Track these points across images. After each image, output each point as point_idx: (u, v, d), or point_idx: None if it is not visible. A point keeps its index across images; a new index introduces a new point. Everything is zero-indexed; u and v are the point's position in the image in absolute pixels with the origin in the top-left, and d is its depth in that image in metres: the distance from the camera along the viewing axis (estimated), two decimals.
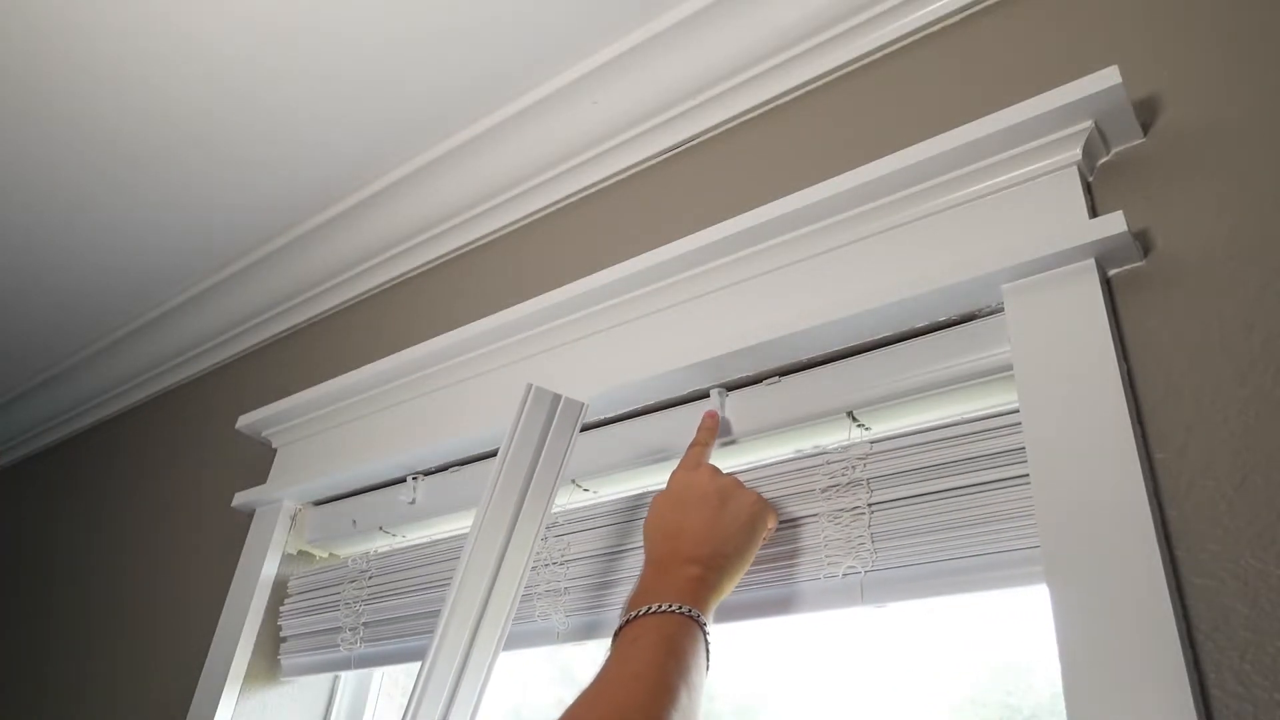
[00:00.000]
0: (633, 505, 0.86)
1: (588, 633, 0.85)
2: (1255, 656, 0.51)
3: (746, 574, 0.73)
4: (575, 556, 0.88)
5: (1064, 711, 0.53)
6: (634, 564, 0.83)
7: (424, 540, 1.05)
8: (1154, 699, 0.50)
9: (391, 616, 1.01)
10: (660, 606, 0.61)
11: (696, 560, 0.66)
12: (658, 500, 0.73)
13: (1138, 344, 0.64)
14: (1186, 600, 0.54)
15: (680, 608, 0.61)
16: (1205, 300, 0.62)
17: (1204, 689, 0.51)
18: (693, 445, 0.77)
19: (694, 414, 0.83)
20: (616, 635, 0.62)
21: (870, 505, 0.70)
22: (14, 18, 1.08)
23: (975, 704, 0.77)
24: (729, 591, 0.67)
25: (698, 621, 0.61)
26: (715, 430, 0.79)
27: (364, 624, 1.03)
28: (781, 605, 0.73)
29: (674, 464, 0.85)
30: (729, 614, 0.76)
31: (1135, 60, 0.74)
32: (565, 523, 0.90)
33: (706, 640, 0.62)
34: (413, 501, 1.07)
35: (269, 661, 1.12)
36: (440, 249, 1.32)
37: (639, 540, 0.83)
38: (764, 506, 0.71)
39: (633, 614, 0.62)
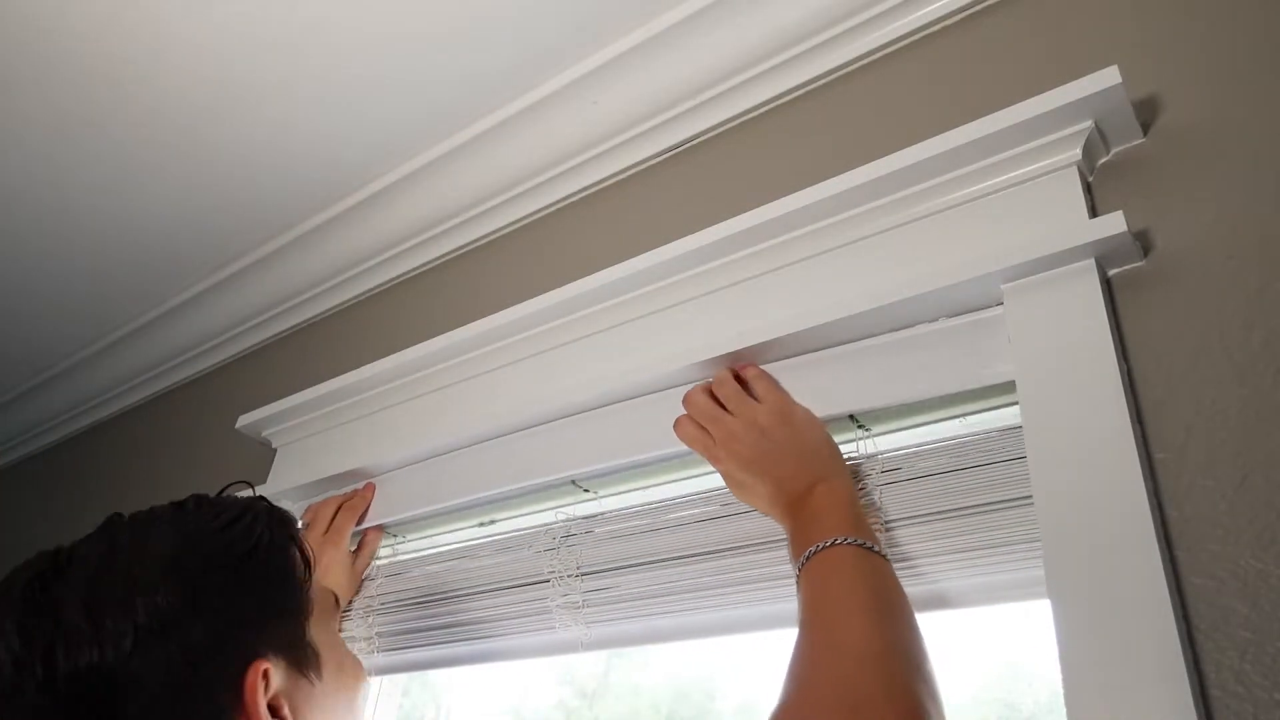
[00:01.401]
0: (642, 512, 0.86)
1: (610, 642, 0.85)
2: (1255, 656, 0.51)
3: (765, 590, 0.74)
4: (590, 569, 0.87)
5: (1064, 711, 0.53)
6: (651, 578, 0.82)
7: (434, 549, 1.05)
8: (1154, 699, 0.50)
9: (410, 628, 1.00)
10: (816, 548, 0.60)
11: (813, 480, 0.67)
12: (734, 490, 0.74)
13: (1138, 344, 0.64)
14: (1186, 600, 0.54)
15: (836, 540, 0.60)
16: (1205, 300, 0.62)
17: (1204, 689, 0.51)
18: (687, 434, 0.77)
19: None
20: (804, 570, 0.61)
21: (886, 524, 0.70)
22: (13, 20, 1.08)
23: (975, 703, 0.77)
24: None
25: (861, 546, 0.60)
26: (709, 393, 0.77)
27: (379, 634, 1.02)
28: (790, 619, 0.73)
29: (672, 464, 0.86)
30: (743, 626, 0.76)
31: (1135, 60, 0.74)
32: (577, 533, 0.90)
33: (879, 553, 0.61)
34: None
35: None
36: (440, 249, 1.32)
37: (649, 549, 0.84)
38: (780, 400, 0.73)
39: (798, 564, 0.61)
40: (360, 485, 1.10)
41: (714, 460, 0.74)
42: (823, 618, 0.57)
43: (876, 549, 0.61)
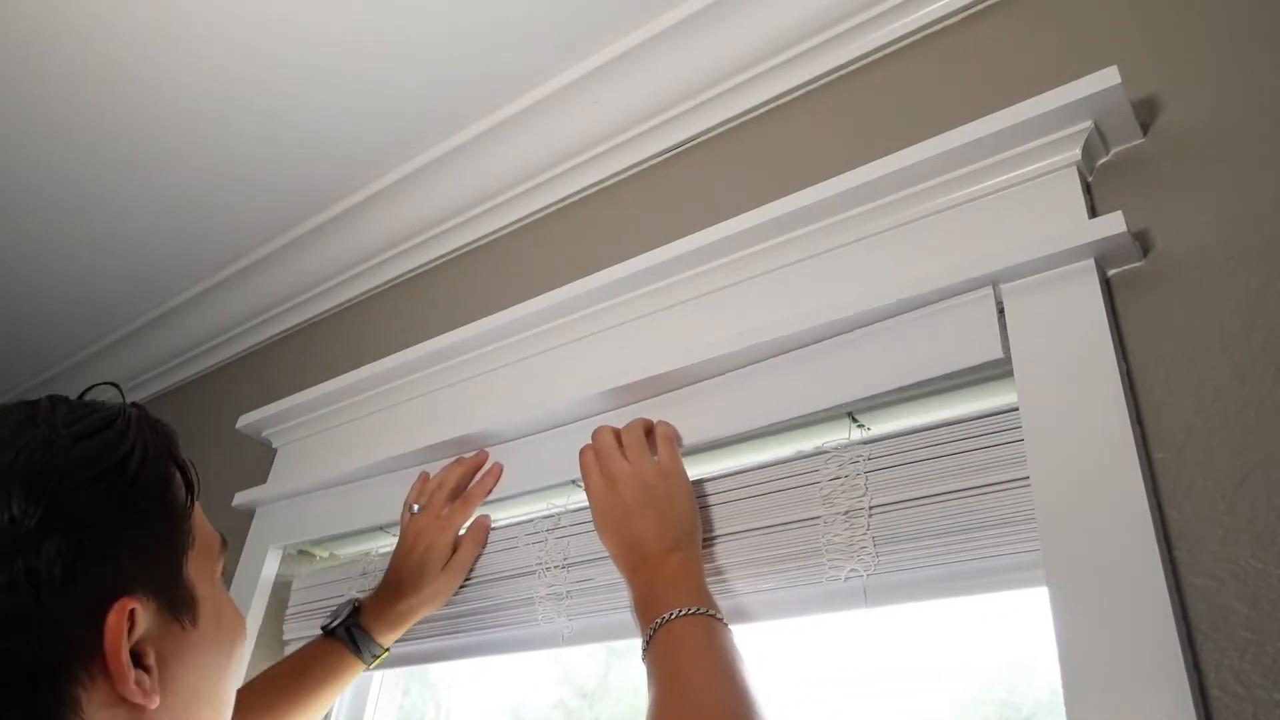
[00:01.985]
0: None
1: (593, 635, 0.85)
2: (1255, 656, 0.51)
3: (752, 578, 0.74)
4: (577, 560, 0.87)
5: (1064, 711, 0.53)
6: None
7: None
8: (1154, 699, 0.50)
9: None
10: (672, 614, 0.64)
11: (671, 548, 0.71)
12: (599, 526, 0.77)
13: (1137, 344, 0.64)
14: (1186, 600, 0.54)
15: (692, 609, 0.64)
16: (1205, 300, 0.62)
17: (1204, 689, 0.51)
18: (584, 462, 0.80)
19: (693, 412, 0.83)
20: (645, 653, 0.65)
21: (870, 509, 0.70)
22: (12, 21, 1.08)
23: (976, 703, 0.77)
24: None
25: (713, 616, 0.65)
26: (606, 445, 0.80)
27: None
28: (784, 608, 0.74)
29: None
30: (735, 618, 0.76)
31: (1135, 60, 0.74)
32: (567, 525, 0.90)
33: (726, 625, 0.65)
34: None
35: (269, 662, 1.12)
36: (440, 249, 1.32)
37: None
38: (672, 465, 0.76)
39: (653, 626, 0.65)
40: (488, 464, 0.98)
41: (591, 493, 0.78)
42: (681, 682, 0.60)
43: (719, 616, 0.66)
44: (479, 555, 0.95)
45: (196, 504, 0.57)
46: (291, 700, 0.84)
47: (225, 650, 0.56)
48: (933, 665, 0.79)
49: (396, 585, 0.90)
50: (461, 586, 0.95)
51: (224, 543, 0.60)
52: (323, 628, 0.90)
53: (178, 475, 0.55)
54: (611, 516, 0.75)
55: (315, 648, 0.88)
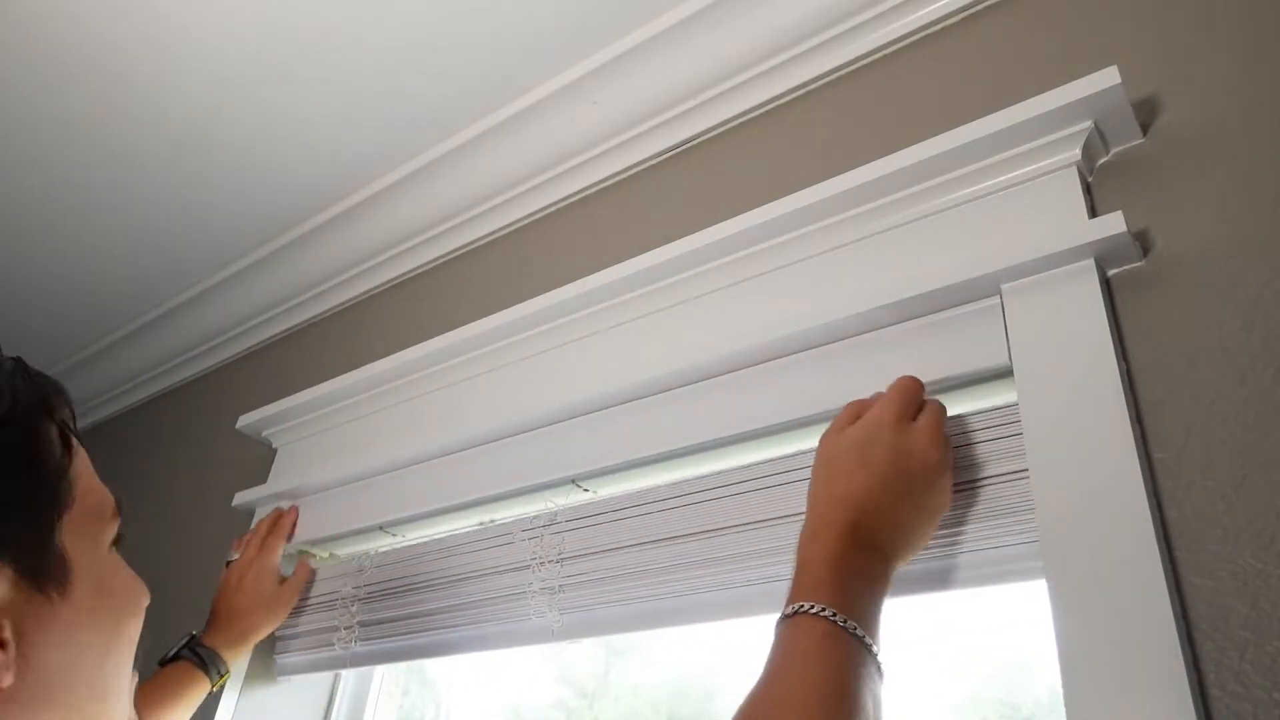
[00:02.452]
0: (630, 503, 0.86)
1: (583, 630, 0.85)
2: (1255, 656, 0.51)
3: (740, 571, 0.73)
4: (571, 554, 0.87)
5: (1063, 711, 0.53)
6: (630, 561, 0.83)
7: (423, 540, 1.05)
8: (1153, 698, 0.50)
9: (388, 616, 1.01)
10: (826, 611, 0.52)
11: (890, 551, 0.57)
12: (824, 459, 0.63)
13: (1137, 344, 0.64)
14: (1186, 600, 0.54)
15: (847, 623, 0.51)
16: (1205, 300, 0.62)
17: (1204, 689, 0.51)
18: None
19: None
20: (778, 624, 0.54)
21: None
22: (12, 20, 1.08)
23: (975, 702, 0.77)
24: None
25: (866, 646, 0.52)
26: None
27: (359, 623, 1.03)
28: (771, 604, 0.73)
29: (673, 464, 0.86)
30: (720, 611, 0.76)
31: (1135, 60, 0.74)
32: (564, 521, 0.90)
33: (877, 661, 0.52)
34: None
35: (267, 661, 1.12)
36: (440, 249, 1.32)
37: (636, 536, 0.83)
38: (946, 464, 0.60)
39: (797, 607, 0.53)
40: (286, 507, 1.17)
41: (851, 422, 0.63)
42: (781, 698, 0.50)
43: (874, 649, 0.53)
44: (312, 578, 1.10)
45: (84, 464, 0.52)
46: None
47: (110, 626, 0.51)
48: (931, 664, 0.79)
49: (229, 611, 0.98)
50: (454, 583, 0.96)
51: (118, 506, 0.54)
52: (160, 661, 0.93)
53: (52, 430, 0.50)
54: (844, 470, 0.60)
55: (159, 675, 0.90)
